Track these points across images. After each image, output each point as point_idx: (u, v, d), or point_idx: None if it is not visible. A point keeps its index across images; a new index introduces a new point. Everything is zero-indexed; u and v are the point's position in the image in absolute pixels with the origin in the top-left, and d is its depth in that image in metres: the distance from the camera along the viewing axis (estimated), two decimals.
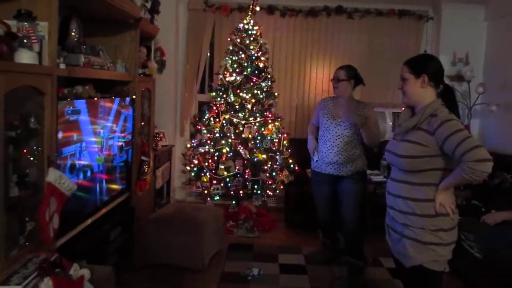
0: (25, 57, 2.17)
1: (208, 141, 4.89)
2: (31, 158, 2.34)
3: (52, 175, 2.33)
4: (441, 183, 2.10)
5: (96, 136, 3.03)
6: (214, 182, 4.83)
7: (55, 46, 2.39)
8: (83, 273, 2.12)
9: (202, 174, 4.89)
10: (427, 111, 2.13)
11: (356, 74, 3.63)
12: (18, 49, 2.15)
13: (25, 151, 2.32)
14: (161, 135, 5.10)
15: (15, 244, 2.22)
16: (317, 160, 3.70)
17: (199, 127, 5.08)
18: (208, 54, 5.76)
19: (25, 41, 2.17)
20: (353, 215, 3.57)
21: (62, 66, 2.51)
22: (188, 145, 5.18)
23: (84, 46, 3.03)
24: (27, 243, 2.29)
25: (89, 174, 2.97)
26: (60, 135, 2.49)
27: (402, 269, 2.29)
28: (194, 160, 4.96)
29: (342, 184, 3.61)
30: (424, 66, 2.19)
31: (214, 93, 5.06)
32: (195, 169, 4.95)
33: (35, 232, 2.32)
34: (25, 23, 2.18)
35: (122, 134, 3.56)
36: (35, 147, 2.34)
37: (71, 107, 2.62)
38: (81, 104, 2.75)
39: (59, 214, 2.42)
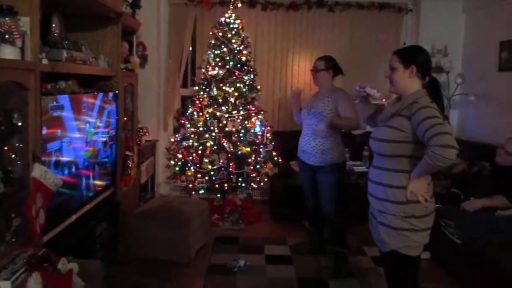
0: (7, 52, 2.16)
1: (192, 135, 4.90)
2: (16, 154, 2.33)
3: (38, 171, 2.33)
4: (412, 172, 2.16)
5: (80, 132, 3.02)
6: (199, 176, 4.85)
7: (37, 41, 2.37)
8: (71, 267, 2.13)
9: (187, 168, 4.90)
10: (409, 98, 2.21)
11: (335, 64, 3.70)
12: (1, 44, 2.14)
13: (9, 147, 2.32)
14: (145, 130, 5.09)
15: (2, 240, 2.22)
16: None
17: (183, 122, 5.09)
18: (190, 48, 5.76)
19: (7, 36, 2.15)
20: (330, 206, 3.64)
21: (45, 61, 2.50)
22: (172, 140, 5.19)
23: (66, 42, 3.01)
24: (13, 239, 2.30)
25: (73, 169, 2.97)
26: (44, 130, 2.49)
27: (382, 255, 2.38)
28: (178, 155, 4.96)
29: (318, 176, 3.69)
30: (414, 57, 2.26)
31: (197, 87, 5.07)
32: (179, 163, 4.96)
33: (21, 228, 2.33)
34: (7, 19, 2.17)
35: (106, 129, 3.55)
36: (19, 143, 2.33)
37: (55, 103, 2.61)
38: (64, 99, 2.74)
39: (45, 210, 2.42)
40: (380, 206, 2.28)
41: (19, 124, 2.29)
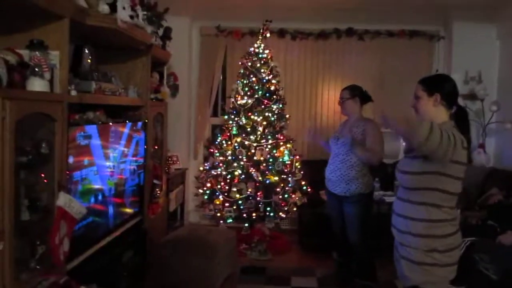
0: (36, 85, 2.25)
1: (220, 164, 4.92)
2: (43, 183, 2.39)
3: (62, 199, 2.39)
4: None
5: (107, 160, 3.09)
6: (227, 204, 4.84)
7: (66, 73, 2.47)
8: None
9: (215, 197, 4.90)
10: None
11: (361, 92, 3.67)
12: (30, 77, 2.23)
13: (37, 176, 2.39)
14: (175, 159, 5.15)
15: (26, 267, 2.26)
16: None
17: (212, 150, 5.13)
18: (221, 77, 5.85)
19: (36, 69, 2.24)
20: (356, 237, 3.58)
21: (73, 93, 2.59)
22: (201, 168, 5.22)
23: (96, 73, 3.12)
24: (38, 266, 2.33)
25: (100, 197, 3.02)
26: (71, 159, 2.55)
27: None
28: (207, 183, 4.98)
29: (344, 206, 3.65)
30: (438, 85, 2.21)
31: (226, 116, 5.12)
32: (207, 191, 4.97)
33: (46, 255, 2.36)
34: (37, 52, 2.27)
35: (134, 158, 3.62)
36: (46, 172, 2.40)
37: (82, 132, 2.69)
38: (92, 129, 2.82)
39: (69, 238, 2.46)
40: (402, 239, 2.21)
41: (47, 153, 2.36)
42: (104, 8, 2.69)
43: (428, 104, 2.20)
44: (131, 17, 2.84)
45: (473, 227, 4.01)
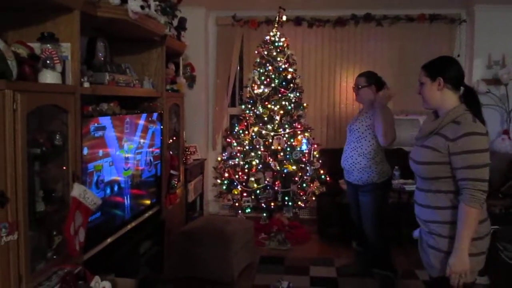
0: (48, 77, 2.26)
1: (238, 154, 4.91)
2: (57, 174, 2.42)
3: (77, 190, 2.40)
4: (455, 241, 1.99)
5: (123, 151, 3.11)
6: (245, 194, 4.84)
7: (78, 65, 2.47)
8: (103, 285, 2.16)
9: (233, 187, 4.91)
10: (449, 116, 2.05)
11: (377, 79, 3.59)
12: (42, 69, 2.25)
13: (51, 167, 2.41)
14: (193, 149, 5.17)
15: (43, 258, 2.29)
16: None
17: (230, 140, 5.12)
18: (238, 67, 5.83)
19: (48, 62, 2.26)
20: (370, 227, 3.53)
21: (86, 84, 2.60)
22: (219, 158, 5.23)
23: (111, 65, 3.13)
24: (55, 256, 2.37)
25: (116, 188, 3.05)
26: (85, 151, 2.58)
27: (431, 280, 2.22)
28: (224, 173, 4.99)
29: (359, 195, 3.60)
30: (439, 68, 2.13)
31: (243, 106, 5.10)
32: (226, 182, 4.98)
33: (62, 245, 2.39)
34: (48, 45, 2.28)
35: (151, 149, 3.63)
36: (60, 164, 2.43)
37: (96, 124, 2.70)
38: (106, 120, 2.83)
39: (85, 228, 2.49)
40: (428, 228, 2.14)
41: (61, 145, 2.39)
42: None
43: (432, 89, 2.12)
44: (142, 7, 2.82)
45: (496, 216, 3.92)
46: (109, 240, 2.93)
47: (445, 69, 2.12)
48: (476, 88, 5.18)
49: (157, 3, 3.42)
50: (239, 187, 4.87)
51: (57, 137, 2.37)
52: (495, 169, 4.70)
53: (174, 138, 4.29)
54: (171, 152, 4.16)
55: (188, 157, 4.83)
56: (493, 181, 4.57)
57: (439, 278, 2.10)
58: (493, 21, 5.20)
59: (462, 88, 2.14)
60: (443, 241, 2.06)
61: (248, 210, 4.93)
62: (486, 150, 1.97)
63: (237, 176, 4.89)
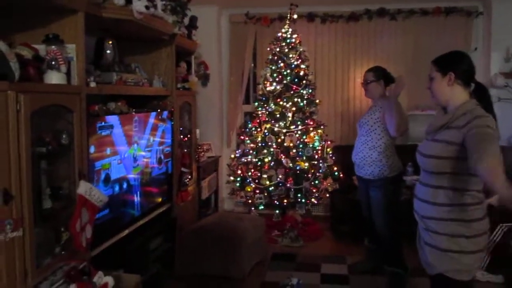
0: (53, 78, 2.32)
1: (251, 151, 4.93)
2: (64, 172, 2.49)
3: (83, 188, 2.46)
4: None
5: (131, 149, 3.16)
6: (258, 191, 4.86)
7: (83, 66, 2.53)
8: (106, 280, 2.21)
9: (246, 184, 4.93)
10: (460, 110, 2.03)
11: (385, 74, 3.56)
12: (47, 71, 2.31)
13: (58, 165, 2.48)
14: (207, 147, 5.21)
15: (50, 253, 2.36)
16: None
17: (243, 138, 5.15)
18: (252, 65, 5.85)
19: (53, 63, 2.32)
20: (381, 223, 3.51)
21: (93, 84, 2.66)
22: (232, 156, 5.26)
23: (119, 65, 3.19)
24: (63, 252, 2.43)
25: (125, 186, 3.10)
26: (92, 149, 2.64)
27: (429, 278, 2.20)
28: (237, 170, 5.02)
29: (370, 190, 3.58)
30: (450, 63, 2.11)
31: (256, 103, 5.11)
32: (238, 179, 5.01)
33: (70, 241, 2.46)
34: (53, 46, 2.33)
35: (161, 147, 3.68)
36: (67, 162, 2.49)
37: (103, 123, 2.76)
38: (113, 119, 2.89)
39: (92, 225, 2.55)
40: (425, 224, 2.13)
41: (67, 143, 2.45)
42: (120, 0, 2.73)
43: (442, 84, 2.10)
44: (147, 7, 2.86)
45: (510, 212, 3.83)
46: (118, 236, 3.00)
47: (456, 64, 2.10)
48: (494, 82, 5.07)
49: (165, 2, 3.46)
50: (252, 184, 4.89)
51: (64, 136, 2.44)
52: (510, 164, 4.62)
53: (187, 135, 4.34)
54: (185, 150, 4.22)
55: (201, 155, 4.87)
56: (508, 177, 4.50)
57: (437, 276, 2.08)
58: (510, 13, 5.06)
59: (473, 84, 2.11)
60: (439, 238, 2.04)
61: (261, 207, 4.95)
62: (496, 130, 1.92)
63: (249, 173, 4.91)
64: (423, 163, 2.16)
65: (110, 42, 3.13)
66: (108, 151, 2.85)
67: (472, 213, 2.02)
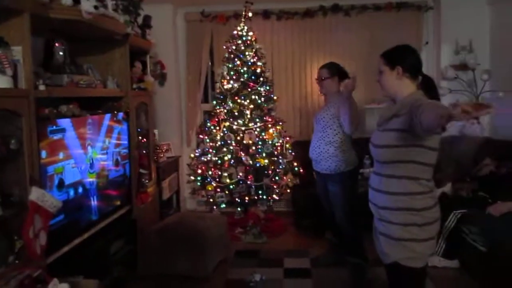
0: None
1: (210, 150, 4.92)
2: (14, 179, 2.41)
3: (35, 194, 2.40)
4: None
5: (86, 153, 3.10)
6: (218, 190, 4.86)
7: (31, 68, 2.46)
8: (62, 287, 2.16)
9: (206, 183, 4.92)
10: (407, 100, 2.09)
11: (339, 70, 3.63)
12: None
13: (8, 172, 2.40)
14: (166, 147, 5.16)
15: (3, 262, 2.29)
16: None
17: (202, 136, 5.13)
18: (210, 63, 5.82)
19: None
20: (341, 215, 3.59)
21: (42, 87, 2.59)
22: (192, 155, 5.23)
23: (70, 66, 3.11)
24: (17, 261, 2.37)
25: (81, 190, 3.04)
26: (43, 154, 2.56)
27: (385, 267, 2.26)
28: (198, 170, 5.00)
29: (328, 185, 3.64)
30: (398, 57, 2.16)
31: (214, 102, 5.10)
32: (199, 178, 4.99)
33: (24, 249, 2.39)
34: None
35: (118, 149, 3.63)
36: (17, 168, 2.42)
37: (54, 126, 2.69)
38: (65, 122, 2.82)
39: (46, 231, 2.49)
40: (381, 214, 2.18)
41: (17, 149, 2.37)
42: (67, 0, 2.67)
43: (391, 77, 2.16)
44: (96, 7, 2.81)
45: (463, 199, 3.99)
46: (75, 241, 2.94)
47: (404, 58, 2.15)
48: (445, 74, 5.25)
49: (116, 2, 3.41)
50: (212, 183, 4.88)
51: (13, 141, 2.37)
52: (464, 153, 4.80)
53: (145, 136, 4.28)
54: (144, 151, 4.17)
55: (161, 155, 4.82)
56: (463, 165, 4.67)
57: (391, 264, 2.14)
58: (459, 7, 5.23)
59: (420, 77, 2.18)
60: (393, 228, 2.10)
61: (223, 206, 4.95)
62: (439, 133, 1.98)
63: (210, 172, 4.90)
64: (375, 153, 2.22)
65: (60, 43, 3.05)
66: (61, 155, 2.78)
67: (423, 202, 2.08)
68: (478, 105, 1.53)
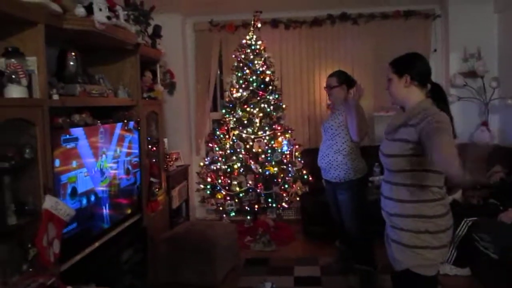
0: (14, 91, 2.29)
1: (220, 158, 4.94)
2: (28, 187, 2.44)
3: (49, 202, 2.43)
4: None
5: (98, 161, 3.13)
6: (228, 198, 4.87)
7: (45, 78, 2.49)
8: None
9: (216, 191, 4.93)
10: (416, 109, 2.10)
11: (347, 78, 3.66)
12: (7, 84, 2.27)
13: (22, 180, 2.43)
14: (175, 156, 5.19)
15: (17, 270, 2.31)
16: None
17: (211, 145, 5.15)
18: (218, 72, 5.87)
19: (13, 76, 2.28)
20: (351, 223, 3.59)
21: (56, 96, 2.62)
22: (201, 164, 5.25)
23: (82, 76, 3.15)
24: (30, 269, 2.38)
25: (93, 198, 3.06)
26: (57, 163, 2.59)
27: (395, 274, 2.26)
28: (207, 178, 5.01)
29: (337, 193, 3.64)
30: (407, 65, 2.17)
31: (223, 110, 5.13)
32: (209, 186, 5.00)
33: (38, 257, 2.41)
34: (13, 60, 2.30)
35: (129, 158, 3.65)
36: (31, 176, 2.44)
37: (67, 135, 2.72)
38: (78, 131, 2.85)
39: (59, 239, 2.51)
40: (392, 221, 2.18)
41: (31, 158, 2.40)
42: (80, 11, 2.71)
43: (400, 85, 2.16)
44: (109, 18, 2.85)
45: (474, 207, 3.97)
46: (88, 250, 2.95)
47: (412, 66, 2.15)
48: (453, 82, 5.25)
49: (127, 12, 3.46)
50: (222, 191, 4.90)
51: (27, 150, 2.39)
52: (474, 160, 4.77)
53: (155, 145, 4.31)
54: (154, 160, 4.19)
55: (170, 164, 4.84)
56: (473, 172, 4.64)
57: (403, 271, 2.14)
58: (466, 14, 5.25)
59: (429, 85, 2.18)
60: (404, 235, 2.10)
61: (232, 214, 4.96)
62: (449, 128, 1.96)
63: (219, 181, 4.92)
64: (385, 162, 2.23)
65: (73, 53, 3.09)
66: (74, 164, 2.81)
67: (434, 209, 2.07)
68: None
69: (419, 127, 2.00)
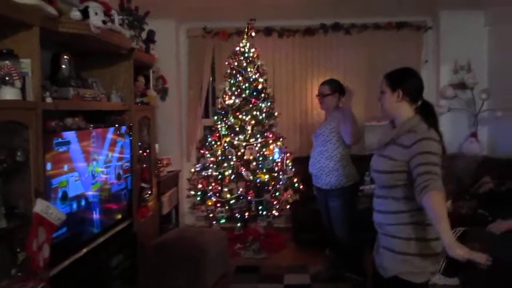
0: (7, 93, 2.27)
1: (211, 165, 4.93)
2: (19, 190, 2.41)
3: (39, 206, 2.40)
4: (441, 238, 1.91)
5: (89, 166, 3.10)
6: (219, 205, 4.86)
7: (39, 81, 2.48)
8: None
9: (207, 198, 4.92)
10: (405, 126, 2.13)
11: (340, 86, 3.69)
12: (1, 86, 2.25)
13: (13, 183, 2.40)
14: (166, 161, 5.17)
15: (6, 275, 2.28)
16: None
17: (203, 151, 5.15)
18: (211, 78, 5.87)
19: (7, 78, 2.26)
20: (341, 231, 3.60)
21: (49, 100, 2.60)
22: (192, 170, 5.24)
23: (76, 80, 3.14)
24: (19, 273, 2.35)
25: (84, 203, 3.04)
26: (48, 166, 2.57)
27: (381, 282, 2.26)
28: (198, 184, 5.00)
29: (328, 201, 3.65)
30: (401, 81, 2.19)
31: (216, 117, 5.14)
32: (199, 193, 4.99)
33: (27, 262, 2.38)
34: (7, 62, 2.28)
35: (120, 162, 3.63)
36: (22, 180, 2.42)
37: (60, 139, 2.70)
38: (70, 135, 2.83)
39: (49, 244, 2.48)
40: (385, 230, 2.20)
41: (23, 161, 2.38)
42: (76, 14, 2.70)
43: (392, 99, 2.18)
44: (104, 22, 2.84)
45: (463, 217, 4.00)
46: (78, 255, 2.92)
47: (405, 82, 2.17)
48: (444, 93, 5.31)
49: (122, 17, 3.45)
50: (212, 198, 4.89)
51: (19, 153, 2.37)
52: (463, 171, 4.83)
53: (146, 150, 4.29)
54: (145, 165, 4.17)
55: (161, 169, 4.83)
56: (462, 183, 4.69)
57: (390, 278, 2.15)
58: (457, 26, 5.34)
59: (420, 101, 2.20)
60: (395, 242, 2.11)
61: (222, 221, 4.94)
62: (438, 155, 2.02)
63: (210, 187, 4.90)
64: (376, 178, 2.25)
65: (66, 57, 3.08)
66: (66, 167, 2.78)
67: (426, 217, 2.09)
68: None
69: (409, 151, 2.03)
